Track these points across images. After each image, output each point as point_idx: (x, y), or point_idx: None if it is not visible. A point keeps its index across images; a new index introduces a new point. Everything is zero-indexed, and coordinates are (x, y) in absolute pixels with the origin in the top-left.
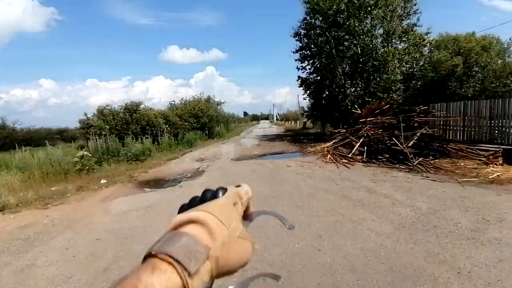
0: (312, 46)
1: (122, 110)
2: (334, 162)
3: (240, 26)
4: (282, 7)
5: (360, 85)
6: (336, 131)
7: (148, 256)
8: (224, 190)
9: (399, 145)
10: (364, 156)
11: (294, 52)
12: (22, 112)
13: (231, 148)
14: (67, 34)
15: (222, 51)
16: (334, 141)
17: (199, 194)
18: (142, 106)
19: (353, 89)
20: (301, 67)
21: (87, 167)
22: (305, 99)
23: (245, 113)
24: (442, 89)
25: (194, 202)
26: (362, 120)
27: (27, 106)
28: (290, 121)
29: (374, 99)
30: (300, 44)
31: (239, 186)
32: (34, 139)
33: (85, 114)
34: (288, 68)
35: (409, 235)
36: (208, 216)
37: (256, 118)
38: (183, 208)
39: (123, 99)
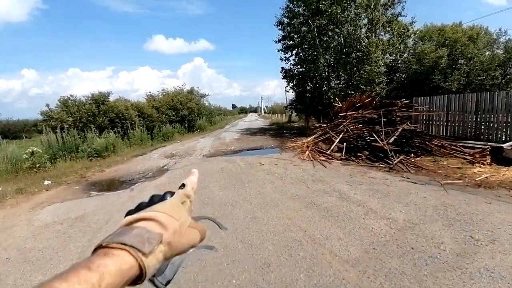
0: (295, 36)
1: (88, 101)
2: (312, 160)
3: (228, 16)
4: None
5: (343, 77)
6: (317, 125)
7: (98, 248)
8: (172, 193)
9: (379, 141)
10: (343, 153)
11: (276, 42)
12: (5, 104)
13: (209, 142)
14: (50, 23)
15: (210, 42)
16: (314, 136)
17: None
18: (112, 97)
19: (337, 82)
20: (284, 58)
21: (37, 165)
22: (288, 91)
23: (234, 106)
24: (425, 82)
25: (142, 206)
26: (343, 114)
27: (10, 97)
28: (276, 114)
29: (356, 92)
30: (283, 33)
31: (182, 186)
32: (12, 131)
33: (47, 105)
34: (277, 60)
35: (379, 263)
36: (157, 214)
37: (244, 111)
38: (130, 213)
39: (108, 91)
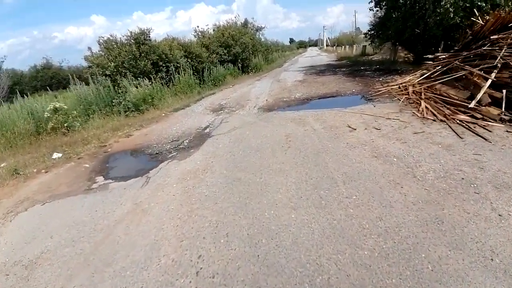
0: None
1: (129, 41)
2: (443, 120)
3: None
4: None
5: None
6: (430, 57)
7: None
8: None
9: None
10: (503, 108)
11: None
12: (80, 50)
13: (266, 87)
14: None
15: None
16: (425, 74)
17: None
18: (153, 35)
19: None
20: None
21: (65, 124)
22: (372, 10)
23: (291, 40)
24: None
25: None
26: (495, 37)
27: (84, 44)
28: (343, 47)
29: (488, 4)
30: None
31: None
32: (83, 77)
33: (89, 49)
34: None
35: None
36: None
37: (303, 45)
38: None
39: (168, 33)
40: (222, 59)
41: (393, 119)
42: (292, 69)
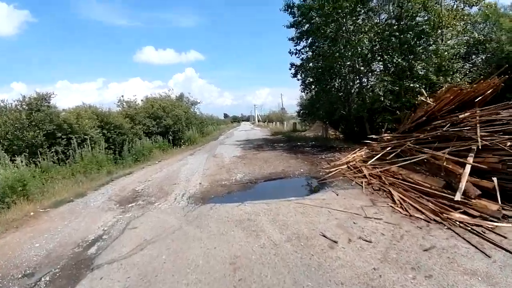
0: (306, 23)
1: (20, 108)
2: (439, 221)
3: (219, 27)
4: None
5: (392, 67)
6: (374, 137)
7: None
8: None
9: None
10: (499, 201)
11: (288, 27)
12: None
13: (200, 163)
14: (40, 36)
15: (201, 52)
16: (375, 155)
17: None
18: (75, 103)
19: (375, 74)
20: (295, 51)
21: None
22: (302, 92)
23: (226, 115)
24: None
25: None
26: (462, 116)
27: None
28: (274, 122)
29: (424, 85)
30: (294, 19)
31: None
32: None
33: None
34: (267, 69)
35: None
36: None
37: (236, 120)
38: None
39: (97, 102)
40: (150, 131)
41: (375, 219)
42: (228, 143)
